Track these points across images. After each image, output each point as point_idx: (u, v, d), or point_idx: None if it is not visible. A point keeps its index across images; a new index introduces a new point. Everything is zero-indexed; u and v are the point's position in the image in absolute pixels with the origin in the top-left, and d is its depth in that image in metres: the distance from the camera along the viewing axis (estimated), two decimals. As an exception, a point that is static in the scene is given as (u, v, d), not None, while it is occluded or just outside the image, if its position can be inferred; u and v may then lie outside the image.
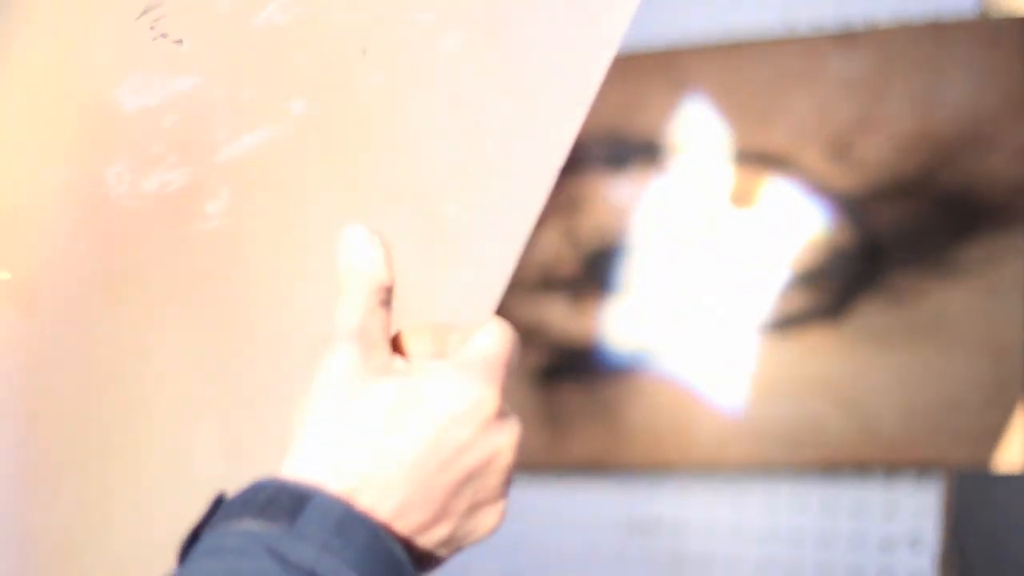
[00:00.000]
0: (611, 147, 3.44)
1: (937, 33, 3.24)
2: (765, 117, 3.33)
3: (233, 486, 1.02)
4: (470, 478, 1.01)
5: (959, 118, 3.23)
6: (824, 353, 3.30)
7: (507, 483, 1.03)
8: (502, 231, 1.18)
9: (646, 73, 3.41)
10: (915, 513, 3.30)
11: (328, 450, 0.99)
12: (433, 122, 1.23)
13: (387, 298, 1.06)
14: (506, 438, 1.03)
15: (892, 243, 3.29)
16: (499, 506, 1.03)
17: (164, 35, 1.29)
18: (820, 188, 3.31)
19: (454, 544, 1.03)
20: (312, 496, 0.96)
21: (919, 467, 3.29)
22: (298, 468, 0.99)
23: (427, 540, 1.01)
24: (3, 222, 1.33)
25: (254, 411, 1.26)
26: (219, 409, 1.29)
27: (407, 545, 1.01)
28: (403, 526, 0.99)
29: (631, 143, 3.44)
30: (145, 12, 1.29)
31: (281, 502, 0.96)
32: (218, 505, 1.00)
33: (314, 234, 1.24)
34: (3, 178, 1.32)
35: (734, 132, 3.34)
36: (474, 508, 1.03)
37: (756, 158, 3.33)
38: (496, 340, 1.04)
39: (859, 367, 3.29)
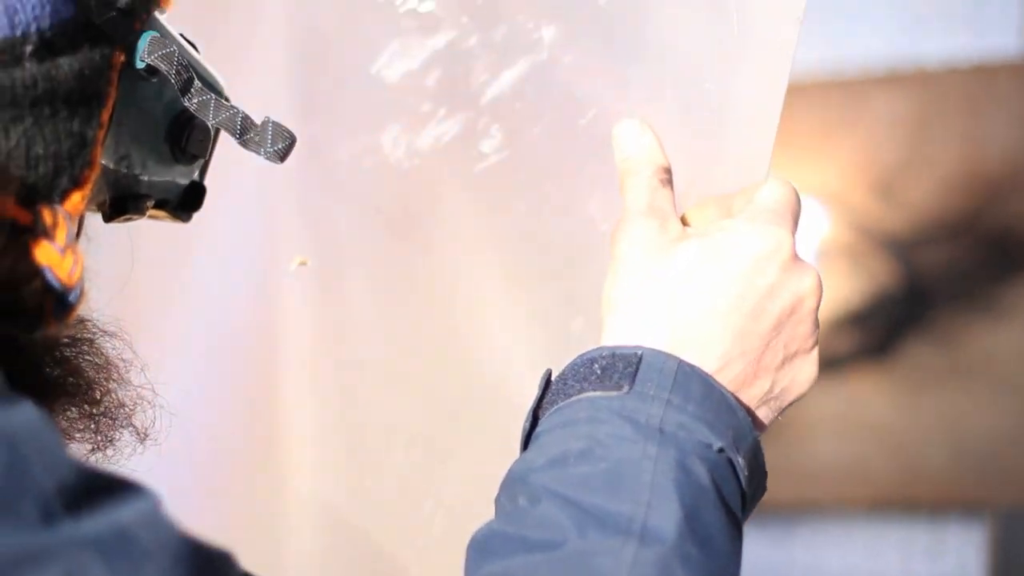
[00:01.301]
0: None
1: (982, 75, 3.29)
2: (813, 158, 3.36)
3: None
4: (780, 325, 1.03)
5: (1004, 159, 3.28)
6: (870, 393, 3.32)
7: (815, 330, 1.05)
8: (759, 100, 1.22)
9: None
10: (961, 553, 3.31)
11: (645, 313, 1.02)
12: (679, 18, 1.28)
13: (667, 177, 1.09)
14: (808, 280, 1.04)
15: (938, 284, 3.32)
16: (812, 355, 1.05)
17: (413, 8, 1.36)
18: (867, 229, 3.34)
19: (775, 402, 1.04)
20: (643, 358, 0.99)
21: (966, 507, 3.30)
22: (620, 335, 1.02)
23: (749, 395, 1.03)
24: (293, 209, 1.39)
25: (563, 310, 1.30)
26: (534, 318, 1.32)
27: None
28: (726, 379, 1.01)
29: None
30: None
31: (616, 368, 0.99)
32: (546, 386, 1.03)
33: (586, 142, 1.28)
34: (287, 170, 1.39)
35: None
36: (789, 359, 1.04)
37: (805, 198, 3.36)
38: (780, 190, 1.08)
39: (906, 407, 3.31)
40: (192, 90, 0.94)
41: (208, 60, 1.03)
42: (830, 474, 3.33)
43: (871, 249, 3.35)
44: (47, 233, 0.86)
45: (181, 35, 1.00)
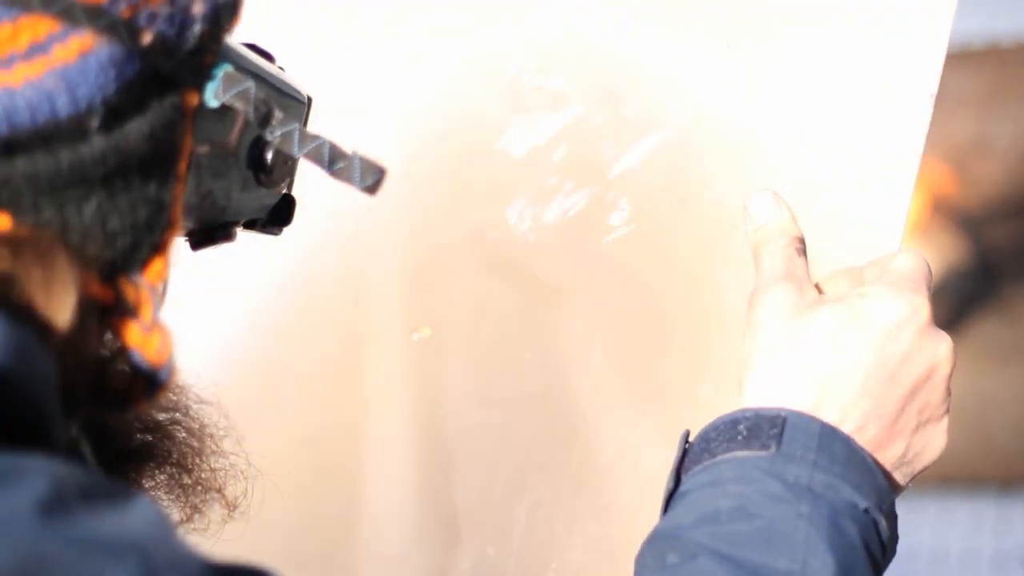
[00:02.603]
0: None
1: (1055, 52, 3.27)
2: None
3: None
4: (915, 390, 1.04)
5: (1076, 136, 3.26)
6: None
7: (948, 398, 1.06)
8: (891, 168, 1.24)
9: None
10: (1029, 529, 3.32)
11: (785, 376, 1.04)
12: (807, 95, 1.29)
13: (802, 247, 1.11)
14: (943, 347, 1.06)
15: (1007, 260, 3.31)
16: (943, 424, 1.07)
17: (541, 85, 1.38)
18: (937, 205, 3.33)
19: (907, 467, 1.06)
20: (787, 419, 1.01)
21: (1032, 483, 3.31)
22: (762, 396, 1.04)
23: (885, 457, 1.04)
24: (419, 280, 1.40)
25: (692, 378, 1.32)
26: (662, 386, 1.35)
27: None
28: (863, 440, 1.03)
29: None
30: (518, 70, 1.38)
31: (762, 429, 1.01)
32: (685, 447, 1.05)
33: (714, 215, 1.30)
34: (412, 241, 1.39)
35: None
36: (922, 425, 1.05)
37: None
38: (914, 259, 1.09)
39: (974, 383, 3.31)
40: (273, 122, 0.88)
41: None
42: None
43: (941, 225, 3.34)
44: (131, 311, 0.83)
45: (252, 46, 0.96)
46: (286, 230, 1.04)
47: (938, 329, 1.06)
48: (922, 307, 1.05)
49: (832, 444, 1.01)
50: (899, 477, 1.06)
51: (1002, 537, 3.35)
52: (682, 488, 1.03)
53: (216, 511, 1.04)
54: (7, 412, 0.74)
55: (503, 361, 1.39)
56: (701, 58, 1.32)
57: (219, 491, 1.04)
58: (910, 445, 1.05)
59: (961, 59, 3.30)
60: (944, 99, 3.25)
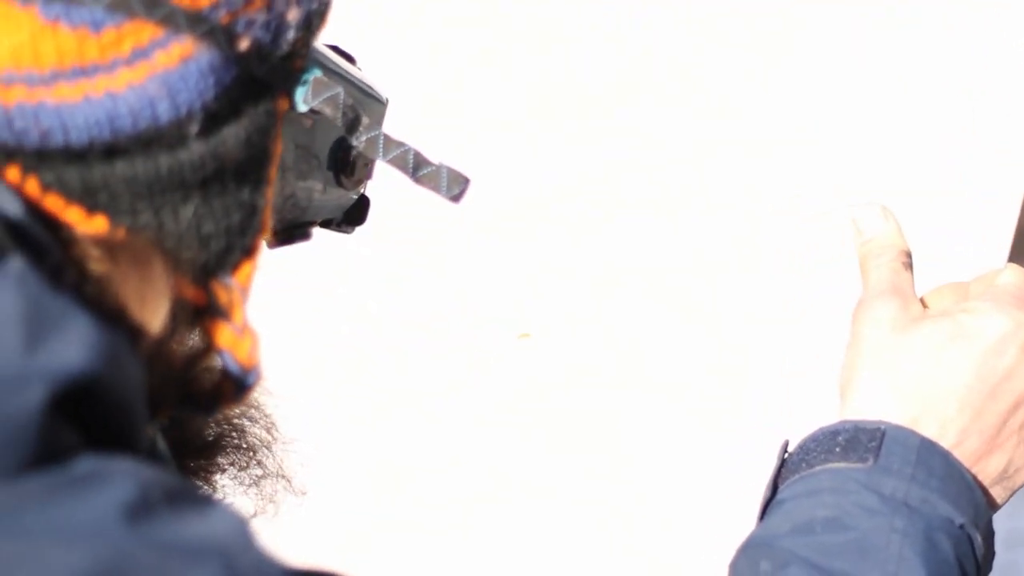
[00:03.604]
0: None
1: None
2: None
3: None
4: (1018, 406, 1.05)
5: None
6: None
7: None
8: (999, 183, 1.24)
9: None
10: (1040, 511, 3.31)
11: (887, 388, 1.05)
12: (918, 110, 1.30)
13: (909, 261, 1.12)
14: None
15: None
16: None
17: None
18: None
19: (1008, 482, 1.06)
20: (886, 433, 1.02)
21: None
22: (862, 409, 1.05)
23: (984, 472, 1.05)
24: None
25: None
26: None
27: None
28: (962, 455, 1.04)
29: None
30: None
31: (860, 441, 1.02)
32: (784, 456, 1.06)
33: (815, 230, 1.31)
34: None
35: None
36: (1023, 440, 1.06)
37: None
38: (1019, 275, 1.10)
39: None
40: (360, 128, 0.89)
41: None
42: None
43: None
44: (224, 314, 0.84)
45: (334, 48, 0.97)
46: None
47: None
48: None
49: (931, 459, 1.02)
50: (999, 492, 1.06)
51: (1015, 517, 3.35)
52: (779, 497, 1.04)
53: (286, 500, 1.05)
54: (97, 416, 0.75)
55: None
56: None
57: (287, 479, 1.05)
58: (1012, 460, 1.06)
59: None
60: None
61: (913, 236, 1.14)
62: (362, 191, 1.03)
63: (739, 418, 1.35)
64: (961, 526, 1.00)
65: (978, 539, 1.01)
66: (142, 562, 0.70)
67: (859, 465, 1.01)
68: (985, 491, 1.05)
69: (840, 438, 1.03)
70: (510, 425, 1.44)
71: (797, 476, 1.04)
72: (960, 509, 1.01)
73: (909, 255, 1.12)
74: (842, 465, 1.02)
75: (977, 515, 1.02)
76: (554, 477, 1.41)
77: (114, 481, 0.72)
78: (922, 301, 1.13)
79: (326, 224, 1.03)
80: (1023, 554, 3.30)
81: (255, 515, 1.03)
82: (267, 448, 1.02)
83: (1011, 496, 1.07)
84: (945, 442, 1.03)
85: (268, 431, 1.02)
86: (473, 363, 1.46)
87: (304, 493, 1.06)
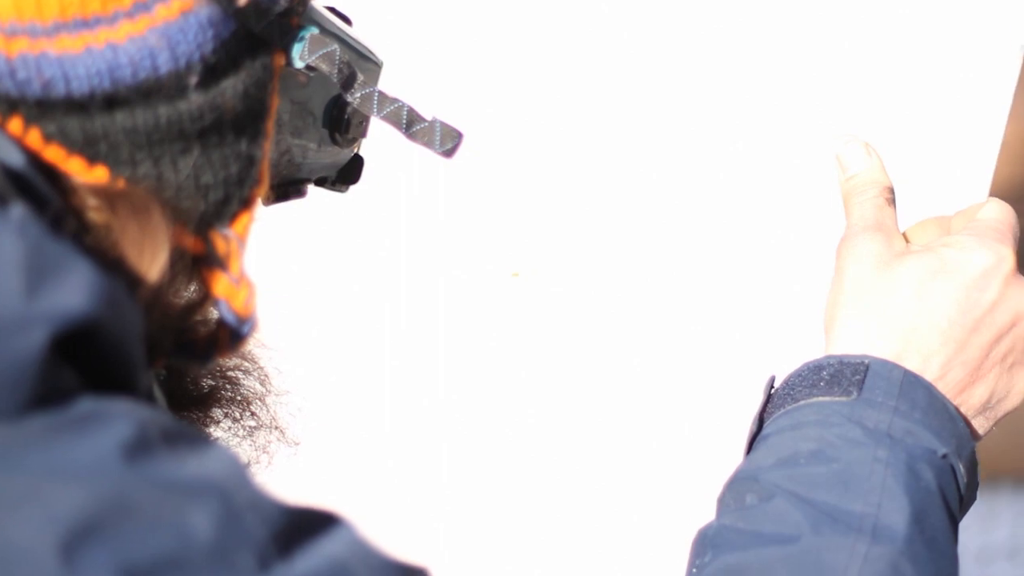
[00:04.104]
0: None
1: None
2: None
3: None
4: (1000, 337, 1.07)
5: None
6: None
7: None
8: (980, 118, 1.26)
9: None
10: (1014, 523, 3.32)
11: (871, 323, 1.06)
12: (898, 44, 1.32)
13: (891, 197, 1.13)
14: None
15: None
16: None
17: None
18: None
19: (991, 412, 1.08)
20: (870, 367, 1.03)
21: (1017, 477, 3.31)
22: (847, 343, 1.06)
23: (967, 403, 1.06)
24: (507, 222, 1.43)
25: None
26: (753, 330, 1.39)
27: None
28: (945, 387, 1.05)
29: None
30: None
31: (844, 375, 1.03)
32: (770, 391, 1.07)
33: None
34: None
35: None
36: (1006, 371, 1.07)
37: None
38: (1001, 209, 1.11)
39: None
40: (355, 85, 0.92)
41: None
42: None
43: None
44: (221, 263, 0.86)
45: (332, 9, 0.99)
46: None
47: (1023, 277, 1.08)
48: (1007, 256, 1.07)
49: (914, 391, 1.03)
50: (983, 422, 1.07)
51: (988, 532, 3.36)
52: (764, 432, 1.05)
53: (279, 451, 1.07)
54: (96, 359, 0.76)
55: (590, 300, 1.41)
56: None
57: (281, 430, 1.06)
58: (994, 391, 1.07)
59: None
60: None
61: (895, 172, 1.15)
62: (356, 150, 1.05)
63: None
64: (944, 456, 1.01)
65: (961, 469, 1.02)
66: (141, 499, 0.72)
67: (843, 398, 1.02)
68: (968, 422, 1.06)
69: (824, 373, 1.04)
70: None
71: (782, 411, 1.05)
72: (943, 440, 1.02)
73: (892, 190, 1.13)
74: (826, 399, 1.03)
75: (960, 446, 1.03)
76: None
77: (113, 421, 0.73)
78: (905, 236, 1.13)
79: (321, 182, 1.04)
80: (997, 569, 3.31)
81: (248, 465, 1.04)
82: (261, 400, 1.04)
83: (994, 425, 1.09)
84: (928, 375, 1.04)
85: (262, 383, 1.04)
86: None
87: (297, 444, 1.07)
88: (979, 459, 1.06)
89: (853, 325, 1.07)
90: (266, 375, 1.04)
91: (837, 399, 1.02)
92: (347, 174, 1.06)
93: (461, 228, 1.42)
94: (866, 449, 1.00)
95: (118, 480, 0.72)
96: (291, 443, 1.07)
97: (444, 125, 0.92)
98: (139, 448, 0.73)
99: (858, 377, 1.03)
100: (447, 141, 0.92)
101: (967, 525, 3.35)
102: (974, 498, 1.07)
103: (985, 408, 1.07)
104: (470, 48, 1.43)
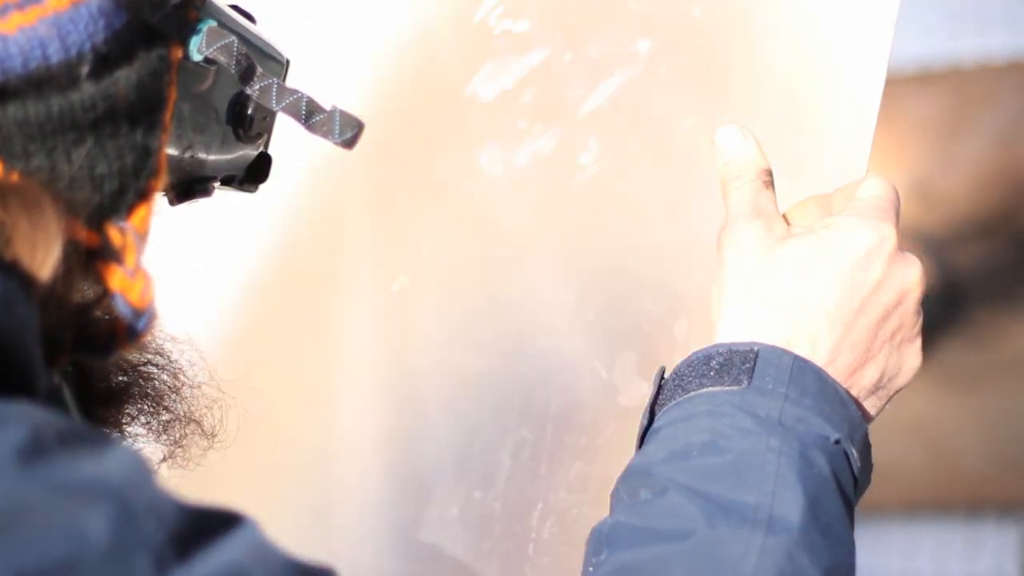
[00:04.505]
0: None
1: (1016, 73, 3.28)
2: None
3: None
4: (887, 316, 1.06)
5: (1039, 158, 3.27)
6: (906, 392, 3.31)
7: (919, 320, 1.08)
8: (856, 100, 1.25)
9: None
10: (997, 553, 3.31)
11: (757, 310, 1.05)
12: (773, 26, 1.31)
13: (770, 179, 1.12)
14: (913, 272, 1.07)
15: (973, 283, 3.32)
16: (917, 345, 1.08)
17: (507, 29, 1.40)
18: (901, 227, 3.33)
19: (883, 391, 1.07)
20: (759, 354, 1.02)
21: (1002, 507, 3.30)
22: (734, 332, 1.05)
23: (858, 385, 1.06)
24: (394, 230, 1.41)
25: (667, 314, 1.34)
26: (639, 323, 1.37)
27: None
28: (835, 370, 1.04)
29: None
30: (485, 15, 1.40)
31: (734, 364, 1.02)
32: (660, 383, 1.06)
33: (684, 149, 1.32)
34: (385, 192, 1.42)
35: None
36: (895, 348, 1.07)
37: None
38: (881, 186, 1.11)
39: (940, 407, 3.30)
40: (254, 77, 0.92)
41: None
42: (865, 474, 3.33)
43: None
44: (116, 256, 0.85)
45: (235, 7, 0.98)
46: (262, 186, 1.07)
47: (907, 254, 1.08)
48: (889, 234, 1.07)
49: (803, 377, 1.02)
50: (875, 402, 1.07)
51: (972, 561, 3.34)
52: (656, 424, 1.04)
53: (197, 444, 1.06)
54: None
55: (479, 306, 1.40)
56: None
57: (197, 423, 1.05)
58: (885, 370, 1.07)
59: (923, 81, 3.31)
60: (906, 120, 3.26)
61: (772, 153, 1.13)
62: (262, 148, 1.04)
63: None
64: (836, 441, 1.00)
65: (854, 453, 1.02)
66: (35, 503, 0.71)
67: (733, 388, 1.01)
68: (859, 404, 1.06)
69: (714, 362, 1.03)
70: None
71: (673, 402, 1.04)
72: (835, 425, 1.01)
73: (770, 172, 1.12)
74: (717, 389, 1.02)
75: (852, 430, 1.02)
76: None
77: (6, 425, 0.73)
78: (786, 217, 1.12)
79: (228, 181, 1.04)
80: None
81: (165, 460, 1.04)
82: (175, 393, 1.03)
83: (886, 404, 1.08)
84: (818, 359, 1.03)
85: (175, 376, 1.03)
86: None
87: (214, 436, 1.06)
88: (871, 442, 1.05)
89: (740, 312, 1.06)
90: (179, 368, 1.03)
91: (728, 388, 1.02)
92: (254, 173, 1.05)
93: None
94: (758, 438, 0.99)
95: (11, 485, 0.71)
96: (208, 435, 1.05)
97: (343, 114, 0.92)
98: (33, 451, 0.72)
99: (748, 365, 1.02)
100: (347, 130, 0.92)
101: (951, 555, 3.33)
102: (868, 481, 1.06)
103: (877, 388, 1.07)
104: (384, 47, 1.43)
